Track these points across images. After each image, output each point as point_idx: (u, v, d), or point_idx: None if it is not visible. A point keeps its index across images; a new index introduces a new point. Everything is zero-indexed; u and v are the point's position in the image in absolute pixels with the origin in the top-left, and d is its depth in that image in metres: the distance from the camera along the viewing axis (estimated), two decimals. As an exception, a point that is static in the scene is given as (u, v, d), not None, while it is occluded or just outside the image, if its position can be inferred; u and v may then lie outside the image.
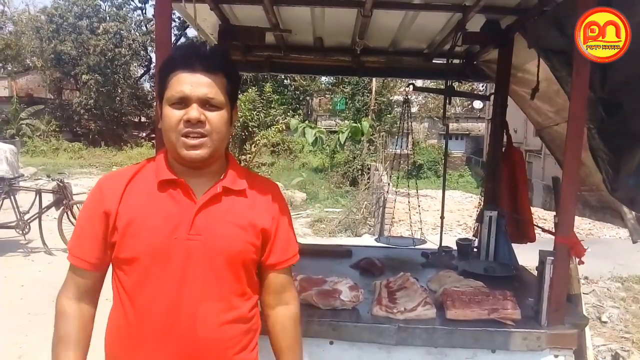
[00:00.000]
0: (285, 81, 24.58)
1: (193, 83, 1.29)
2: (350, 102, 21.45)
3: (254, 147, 15.48)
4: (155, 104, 1.42)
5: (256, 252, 1.41)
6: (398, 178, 4.67)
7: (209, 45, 1.46)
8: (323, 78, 25.02)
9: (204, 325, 1.32)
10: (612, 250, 8.29)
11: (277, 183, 1.62)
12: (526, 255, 2.82)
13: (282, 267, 1.47)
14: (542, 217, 10.28)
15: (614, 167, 2.12)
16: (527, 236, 3.01)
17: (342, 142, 18.18)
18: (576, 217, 1.96)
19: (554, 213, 2.17)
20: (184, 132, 1.29)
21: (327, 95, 25.79)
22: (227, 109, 1.36)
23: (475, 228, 3.25)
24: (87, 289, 1.37)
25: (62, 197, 7.18)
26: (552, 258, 1.84)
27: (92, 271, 1.36)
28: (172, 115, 1.30)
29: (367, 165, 16.31)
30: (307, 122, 20.93)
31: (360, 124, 17.69)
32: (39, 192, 7.30)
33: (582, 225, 10.07)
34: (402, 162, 5.12)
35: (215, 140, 1.33)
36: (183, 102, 1.30)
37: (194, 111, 1.28)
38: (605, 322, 5.20)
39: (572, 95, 1.77)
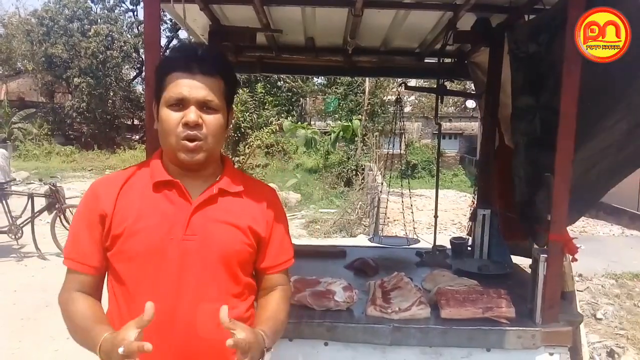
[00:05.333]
0: (278, 82, 24.51)
1: (191, 85, 1.29)
2: (343, 102, 21.41)
3: (248, 148, 15.42)
4: (151, 105, 1.41)
5: (252, 253, 1.41)
6: (390, 177, 4.66)
7: (206, 47, 1.46)
8: (316, 79, 24.98)
9: (202, 326, 1.31)
10: (605, 248, 8.30)
11: (272, 185, 1.62)
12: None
13: (275, 270, 1.48)
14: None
15: (532, 188, 2.04)
16: (520, 235, 3.01)
17: (333, 142, 18.15)
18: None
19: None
20: (184, 135, 1.30)
21: (320, 97, 25.73)
22: (224, 112, 1.36)
23: (469, 227, 3.26)
24: (90, 288, 1.36)
25: (55, 201, 7.12)
26: (546, 256, 1.84)
27: (93, 275, 1.36)
28: (170, 117, 1.30)
29: (362, 165, 16.27)
30: (299, 123, 20.89)
31: (351, 122, 17.68)
32: (31, 196, 7.23)
33: (576, 223, 10.09)
34: (395, 162, 5.12)
35: (211, 144, 1.33)
36: (181, 104, 1.30)
37: (192, 114, 1.29)
38: (600, 319, 5.22)
39: (563, 94, 1.77)
